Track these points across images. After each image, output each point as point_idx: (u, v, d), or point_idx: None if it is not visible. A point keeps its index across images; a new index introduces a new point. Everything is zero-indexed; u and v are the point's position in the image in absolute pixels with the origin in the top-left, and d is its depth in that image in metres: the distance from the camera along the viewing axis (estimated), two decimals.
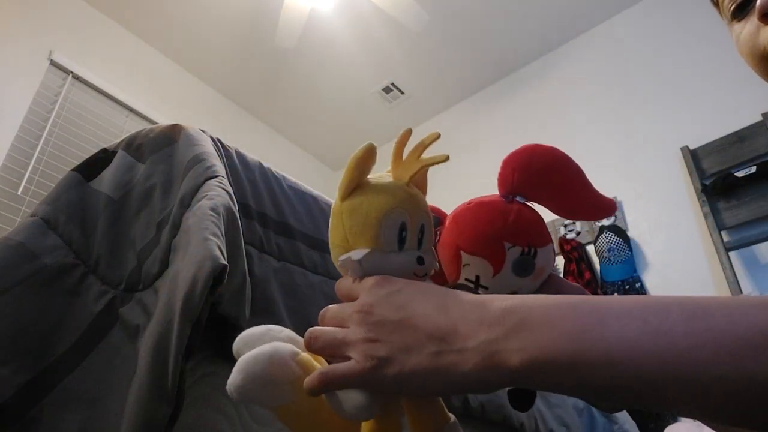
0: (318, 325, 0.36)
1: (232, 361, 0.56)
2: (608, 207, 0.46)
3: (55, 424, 0.50)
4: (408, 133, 0.39)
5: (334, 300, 0.38)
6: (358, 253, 0.36)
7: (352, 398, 0.33)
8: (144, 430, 0.42)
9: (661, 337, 0.23)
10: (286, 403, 0.35)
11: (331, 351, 0.34)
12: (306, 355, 0.37)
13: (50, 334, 0.56)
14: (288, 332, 0.40)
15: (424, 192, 0.43)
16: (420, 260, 0.37)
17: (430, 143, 0.40)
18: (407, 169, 0.39)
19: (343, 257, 0.37)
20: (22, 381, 0.52)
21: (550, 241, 0.44)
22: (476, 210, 0.45)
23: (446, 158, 0.38)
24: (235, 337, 0.55)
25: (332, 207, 0.40)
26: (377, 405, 0.34)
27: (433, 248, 0.41)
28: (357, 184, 0.38)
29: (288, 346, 0.37)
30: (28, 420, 0.50)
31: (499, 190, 0.45)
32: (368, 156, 0.37)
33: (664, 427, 1.46)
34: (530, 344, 0.26)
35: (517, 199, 0.44)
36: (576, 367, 0.25)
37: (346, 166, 0.37)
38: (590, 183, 0.45)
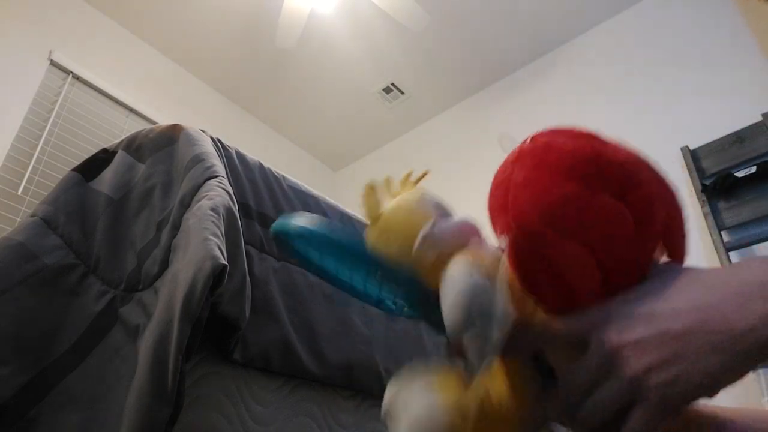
0: (316, 326, 0.35)
1: (232, 361, 0.56)
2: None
3: (54, 424, 0.50)
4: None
5: (334, 299, 0.37)
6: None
7: None
8: (144, 430, 0.41)
9: None
10: None
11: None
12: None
13: (50, 334, 0.56)
14: None
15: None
16: None
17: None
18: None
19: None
20: (22, 381, 0.52)
21: None
22: None
23: None
24: (235, 337, 0.55)
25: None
26: None
27: None
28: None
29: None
30: (27, 420, 0.50)
31: None
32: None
33: None
34: None
35: None
36: None
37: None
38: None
